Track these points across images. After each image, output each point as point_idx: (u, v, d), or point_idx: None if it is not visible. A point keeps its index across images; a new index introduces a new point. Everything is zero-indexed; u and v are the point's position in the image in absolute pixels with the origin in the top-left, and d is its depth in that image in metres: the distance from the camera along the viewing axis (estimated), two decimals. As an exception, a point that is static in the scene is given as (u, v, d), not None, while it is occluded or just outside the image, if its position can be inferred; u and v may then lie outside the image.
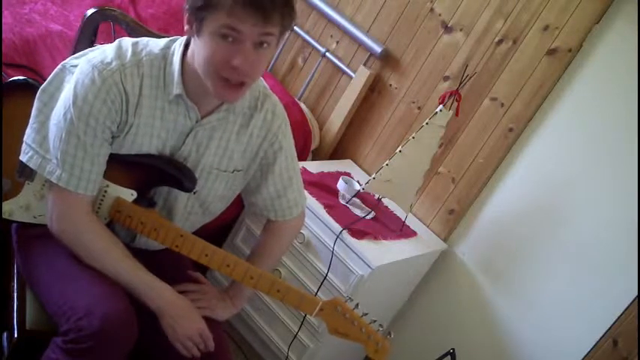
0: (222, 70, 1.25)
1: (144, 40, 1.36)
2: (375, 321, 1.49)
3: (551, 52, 2.19)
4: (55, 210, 1.36)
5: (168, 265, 1.59)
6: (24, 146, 1.35)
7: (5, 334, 1.44)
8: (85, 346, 1.23)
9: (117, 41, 1.35)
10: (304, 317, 2.15)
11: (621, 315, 2.05)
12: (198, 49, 1.27)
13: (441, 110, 2.11)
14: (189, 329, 1.38)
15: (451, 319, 2.45)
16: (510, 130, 2.28)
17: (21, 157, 1.35)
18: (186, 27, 1.28)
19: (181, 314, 1.39)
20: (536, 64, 2.22)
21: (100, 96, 1.28)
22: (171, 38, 1.38)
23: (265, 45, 1.25)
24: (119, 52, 1.32)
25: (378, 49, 2.53)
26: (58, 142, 1.30)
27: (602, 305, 2.11)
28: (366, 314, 1.49)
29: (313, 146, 2.63)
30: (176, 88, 1.33)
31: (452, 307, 2.45)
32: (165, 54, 1.35)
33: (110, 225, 1.44)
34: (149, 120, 1.35)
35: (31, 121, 1.35)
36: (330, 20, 2.69)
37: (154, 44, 1.36)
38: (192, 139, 1.40)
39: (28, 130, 1.35)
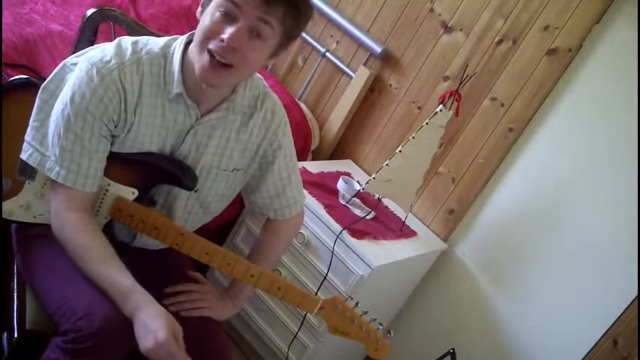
0: (210, 40, 1.25)
1: (144, 38, 1.37)
2: (374, 319, 1.49)
3: (551, 52, 2.19)
4: (52, 206, 1.35)
5: (169, 265, 1.59)
6: (25, 144, 1.35)
7: (5, 334, 1.43)
8: (84, 346, 1.22)
9: (117, 40, 1.35)
10: (304, 317, 2.15)
11: (621, 315, 2.05)
12: (199, 25, 1.28)
13: (441, 110, 2.11)
14: (151, 343, 1.20)
15: (451, 319, 2.45)
16: (510, 130, 2.28)
17: (21, 155, 1.35)
18: (199, 9, 1.30)
19: (149, 326, 1.22)
20: (536, 64, 2.22)
21: (97, 93, 1.28)
22: (171, 37, 1.38)
23: (260, 37, 1.25)
24: (119, 51, 1.32)
25: (378, 49, 2.53)
26: (57, 139, 1.30)
27: (602, 305, 2.11)
28: (366, 312, 1.49)
29: (313, 146, 2.63)
30: (176, 87, 1.33)
31: (452, 307, 2.45)
32: (165, 53, 1.35)
33: (110, 224, 1.44)
34: (150, 119, 1.35)
35: (31, 119, 1.35)
36: (330, 20, 2.69)
37: (154, 43, 1.36)
38: (191, 138, 1.40)
39: (28, 128, 1.35)
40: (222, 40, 1.23)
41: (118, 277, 1.28)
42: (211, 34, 1.25)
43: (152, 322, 1.21)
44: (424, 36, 2.48)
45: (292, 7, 1.25)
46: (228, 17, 1.24)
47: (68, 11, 2.31)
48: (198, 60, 1.27)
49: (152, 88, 1.34)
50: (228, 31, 1.23)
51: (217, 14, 1.24)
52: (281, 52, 1.34)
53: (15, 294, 1.47)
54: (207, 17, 1.26)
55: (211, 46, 1.25)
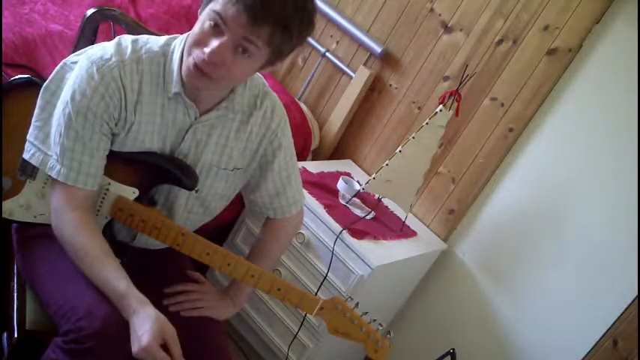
0: (195, 49, 1.25)
1: (144, 37, 1.37)
2: (374, 320, 1.49)
3: (551, 52, 2.19)
4: (53, 205, 1.35)
5: (169, 265, 1.59)
6: (27, 144, 1.34)
7: (5, 334, 1.43)
8: (85, 347, 1.22)
9: (117, 38, 1.35)
10: (304, 317, 2.15)
11: (621, 315, 2.05)
12: (193, 28, 1.27)
13: (441, 110, 2.11)
14: (136, 347, 1.22)
15: (451, 319, 2.45)
16: (510, 130, 2.28)
17: (24, 155, 1.35)
18: (200, 8, 1.30)
19: (137, 330, 1.23)
20: (536, 64, 2.22)
21: (98, 91, 1.28)
22: (171, 36, 1.38)
23: (246, 53, 1.23)
24: (119, 49, 1.32)
25: (378, 49, 2.53)
26: (58, 137, 1.30)
27: (602, 305, 2.11)
28: (366, 313, 1.49)
29: (313, 146, 2.63)
30: (175, 87, 1.33)
31: (452, 307, 2.45)
32: (165, 51, 1.35)
33: (111, 223, 1.44)
34: (149, 117, 1.35)
35: (33, 119, 1.35)
36: (330, 20, 2.69)
37: (154, 42, 1.36)
38: (191, 136, 1.40)
39: (31, 128, 1.35)
40: (203, 53, 1.23)
41: (113, 279, 1.28)
42: (197, 42, 1.25)
43: (140, 327, 1.22)
44: (424, 36, 2.48)
45: (280, 28, 1.21)
46: (216, 29, 1.22)
47: (68, 11, 2.31)
48: (185, 61, 1.28)
49: (152, 86, 1.34)
50: (212, 45, 1.22)
51: (207, 24, 1.23)
52: (274, 65, 1.32)
53: (15, 294, 1.47)
54: (199, 23, 1.26)
55: (194, 53, 1.25)
